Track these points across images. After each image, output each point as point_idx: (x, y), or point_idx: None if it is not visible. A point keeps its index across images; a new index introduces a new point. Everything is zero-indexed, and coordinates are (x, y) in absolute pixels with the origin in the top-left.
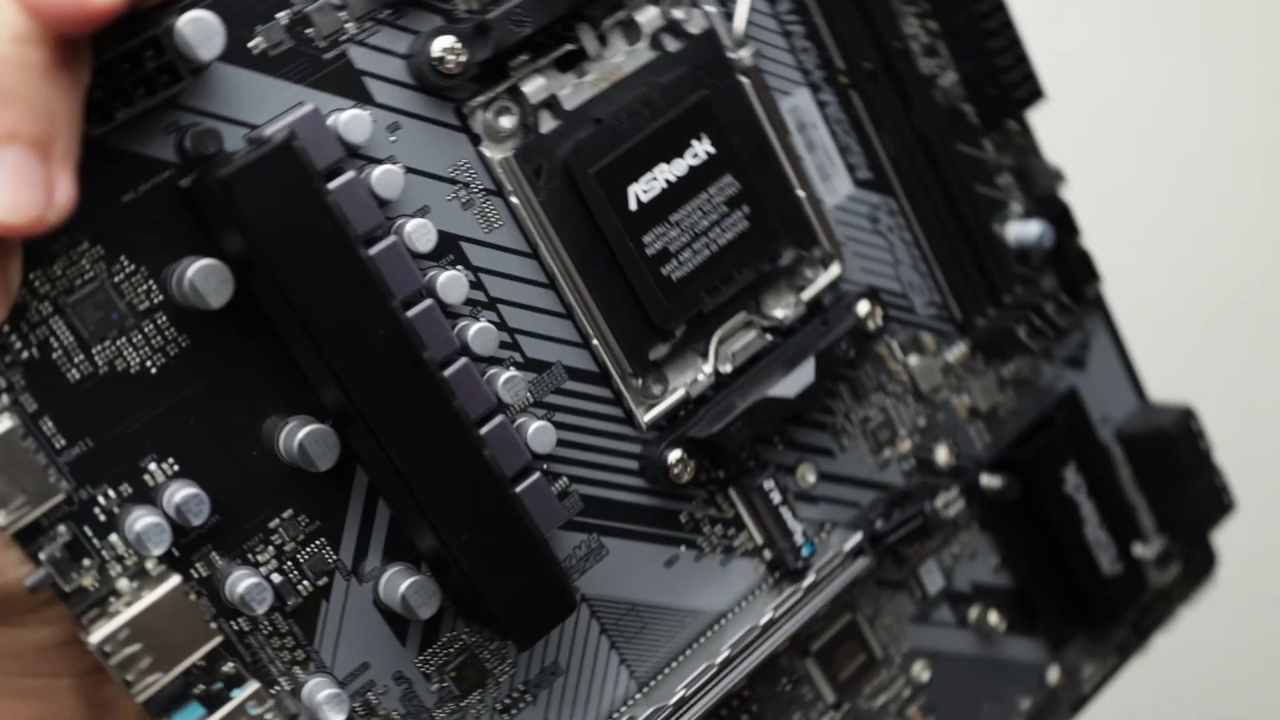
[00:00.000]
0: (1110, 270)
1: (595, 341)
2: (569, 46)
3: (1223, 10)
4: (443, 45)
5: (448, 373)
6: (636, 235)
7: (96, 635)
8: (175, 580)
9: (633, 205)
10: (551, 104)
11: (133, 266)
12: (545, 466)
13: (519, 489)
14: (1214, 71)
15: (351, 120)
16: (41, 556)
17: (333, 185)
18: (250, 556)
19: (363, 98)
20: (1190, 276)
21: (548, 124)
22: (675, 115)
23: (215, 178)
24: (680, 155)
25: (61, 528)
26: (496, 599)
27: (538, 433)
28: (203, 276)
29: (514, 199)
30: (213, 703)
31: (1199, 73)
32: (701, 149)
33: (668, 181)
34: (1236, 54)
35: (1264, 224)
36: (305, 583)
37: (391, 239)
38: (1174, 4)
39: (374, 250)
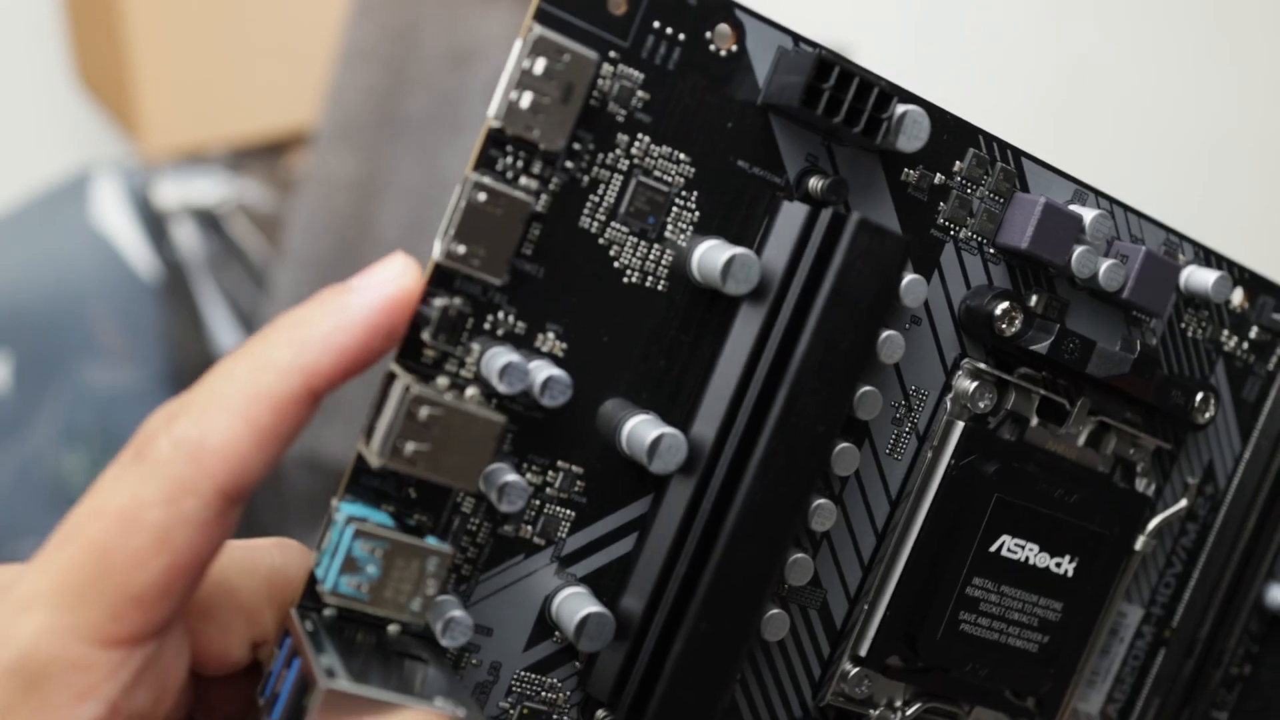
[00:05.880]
0: None
1: (864, 607)
2: (1063, 402)
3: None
4: (1004, 308)
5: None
6: (973, 570)
7: (419, 390)
8: (499, 419)
9: (993, 547)
10: (1019, 421)
11: (693, 203)
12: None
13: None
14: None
15: (915, 284)
16: (438, 302)
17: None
18: (525, 465)
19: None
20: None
21: (1005, 430)
22: (1074, 525)
23: (845, 218)
24: (1050, 553)
25: (460, 300)
26: (664, 696)
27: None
28: (742, 264)
29: (929, 451)
30: (401, 524)
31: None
32: (1066, 566)
33: (1027, 560)
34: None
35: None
36: (529, 528)
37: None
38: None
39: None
